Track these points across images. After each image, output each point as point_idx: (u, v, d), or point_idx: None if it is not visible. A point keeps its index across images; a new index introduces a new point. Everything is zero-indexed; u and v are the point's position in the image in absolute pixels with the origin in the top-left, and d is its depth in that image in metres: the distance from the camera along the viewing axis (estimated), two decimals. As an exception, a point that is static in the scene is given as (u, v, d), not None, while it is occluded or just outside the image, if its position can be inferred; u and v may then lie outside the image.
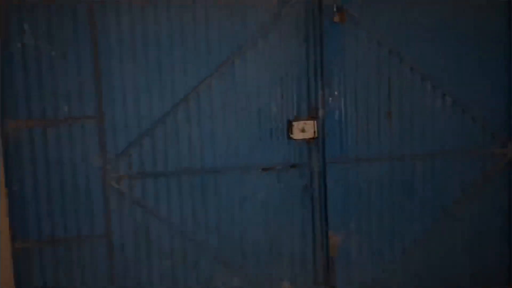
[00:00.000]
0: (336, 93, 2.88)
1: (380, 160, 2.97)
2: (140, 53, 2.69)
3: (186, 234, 2.83)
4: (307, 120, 2.87)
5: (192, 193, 2.82)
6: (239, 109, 2.83)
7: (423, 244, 3.07)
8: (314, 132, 2.87)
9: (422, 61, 2.95)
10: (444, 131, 3.03)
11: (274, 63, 2.83)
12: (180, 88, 2.74)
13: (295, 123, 2.85)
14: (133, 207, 2.76)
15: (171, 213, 2.80)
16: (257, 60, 2.81)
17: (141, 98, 2.71)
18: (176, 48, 2.72)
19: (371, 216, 3.01)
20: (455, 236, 3.10)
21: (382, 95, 2.94)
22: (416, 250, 3.06)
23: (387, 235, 3.02)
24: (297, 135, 2.86)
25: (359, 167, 2.95)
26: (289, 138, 2.87)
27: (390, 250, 3.04)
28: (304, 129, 2.85)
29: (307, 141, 2.90)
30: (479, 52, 3.02)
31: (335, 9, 2.79)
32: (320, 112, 2.87)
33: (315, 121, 2.87)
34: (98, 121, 2.67)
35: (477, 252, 3.13)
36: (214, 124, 2.81)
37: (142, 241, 2.79)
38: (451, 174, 3.06)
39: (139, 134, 2.73)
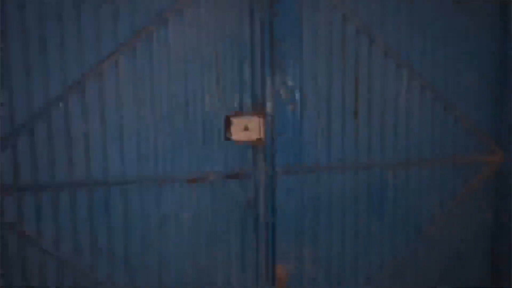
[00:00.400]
0: (289, 82, 2.62)
1: (343, 168, 2.76)
2: (17, 20, 2.26)
3: (82, 268, 2.48)
4: (252, 116, 2.61)
5: (91, 213, 2.47)
6: (159, 99, 2.52)
7: (393, 271, 2.87)
8: (261, 132, 2.62)
9: (397, 44, 2.74)
10: (421, 134, 2.83)
11: (207, 38, 2.54)
12: (74, 67, 2.37)
13: (235, 120, 2.59)
14: (3, 232, 2.36)
15: (59, 241, 2.44)
16: (183, 33, 2.49)
17: (17, 81, 2.31)
18: (69, 13, 2.33)
19: (330, 239, 2.77)
20: (431, 261, 2.93)
21: (348, 87, 2.70)
22: (384, 278, 2.87)
23: (349, 262, 2.80)
24: (237, 135, 2.59)
25: (317, 177, 2.72)
26: (227, 139, 2.61)
27: (353, 280, 2.81)
28: (247, 128, 2.60)
29: (252, 143, 2.64)
30: (467, 40, 2.85)
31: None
32: (269, 106, 2.62)
33: (262, 118, 2.62)
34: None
35: (455, 280, 2.97)
36: (122, 119, 2.46)
37: (16, 280, 2.38)
38: (429, 186, 2.88)
39: (12, 130, 2.34)
